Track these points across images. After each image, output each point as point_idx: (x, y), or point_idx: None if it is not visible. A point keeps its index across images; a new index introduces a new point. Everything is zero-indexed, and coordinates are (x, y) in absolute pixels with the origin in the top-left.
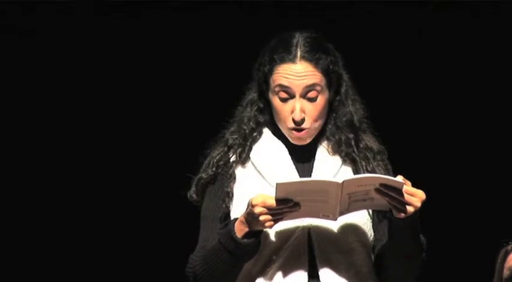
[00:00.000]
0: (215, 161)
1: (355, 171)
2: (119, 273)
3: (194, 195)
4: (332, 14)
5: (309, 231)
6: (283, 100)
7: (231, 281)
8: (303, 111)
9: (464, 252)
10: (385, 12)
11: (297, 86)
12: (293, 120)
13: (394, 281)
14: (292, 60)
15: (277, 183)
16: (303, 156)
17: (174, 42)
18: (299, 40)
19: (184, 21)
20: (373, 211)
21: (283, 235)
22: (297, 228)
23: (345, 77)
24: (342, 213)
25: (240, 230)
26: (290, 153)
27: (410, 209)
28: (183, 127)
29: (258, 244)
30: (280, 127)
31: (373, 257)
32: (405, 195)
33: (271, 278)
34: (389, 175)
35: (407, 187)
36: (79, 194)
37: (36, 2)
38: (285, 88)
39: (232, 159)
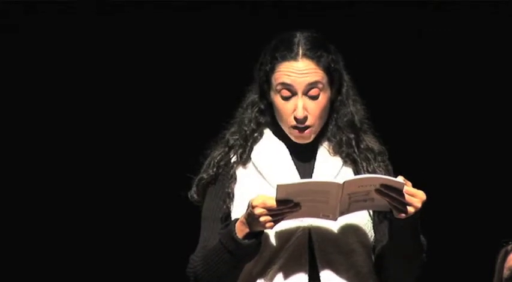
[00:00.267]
0: (216, 161)
1: (356, 172)
2: (119, 274)
3: (195, 196)
4: (332, 14)
5: (309, 232)
6: (285, 98)
7: (231, 281)
8: (305, 109)
9: (464, 252)
10: (385, 12)
11: (299, 84)
12: (295, 118)
13: (394, 281)
14: (294, 57)
15: (278, 185)
16: (303, 157)
17: (175, 42)
18: (300, 39)
19: (186, 22)
20: (373, 212)
21: (283, 236)
22: (297, 229)
23: (346, 77)
24: (342, 214)
25: (240, 230)
26: (291, 154)
27: (410, 209)
28: (184, 127)
29: (259, 245)
30: (282, 126)
31: (373, 257)
32: (406, 196)
33: (271, 279)
34: (390, 176)
35: (408, 187)
36: (80, 194)
37: (37, 2)
38: (287, 86)
39: (233, 159)
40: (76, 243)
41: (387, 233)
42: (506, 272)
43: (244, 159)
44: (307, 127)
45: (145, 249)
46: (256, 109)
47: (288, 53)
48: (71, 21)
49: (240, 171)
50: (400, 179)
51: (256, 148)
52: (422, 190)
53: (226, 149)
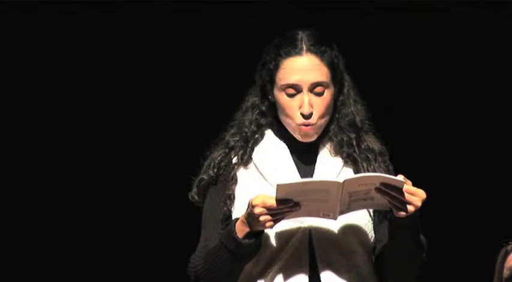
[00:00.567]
0: (216, 162)
1: (356, 173)
2: (120, 273)
3: (195, 197)
4: (332, 14)
5: (309, 232)
6: (291, 96)
7: (232, 281)
8: (311, 105)
9: (464, 252)
10: (385, 12)
11: (305, 83)
12: (301, 114)
13: (394, 281)
14: (299, 53)
15: (277, 185)
16: (305, 157)
17: (176, 44)
18: (303, 35)
19: (186, 22)
20: (373, 212)
21: (284, 237)
22: (297, 229)
23: (347, 77)
24: (342, 213)
25: (241, 230)
26: (292, 154)
27: (410, 208)
28: (185, 128)
29: (259, 244)
30: (286, 125)
31: (373, 257)
32: (406, 195)
33: (271, 280)
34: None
35: (408, 186)
36: (81, 195)
37: (37, 2)
38: (292, 85)
39: (234, 160)
40: (77, 244)
41: (387, 232)
42: (506, 272)
43: (246, 160)
44: (312, 124)
45: (146, 249)
46: (256, 111)
47: (292, 48)
48: (71, 21)
49: (240, 172)
50: (400, 177)
51: (257, 149)
52: (422, 189)
53: (227, 150)
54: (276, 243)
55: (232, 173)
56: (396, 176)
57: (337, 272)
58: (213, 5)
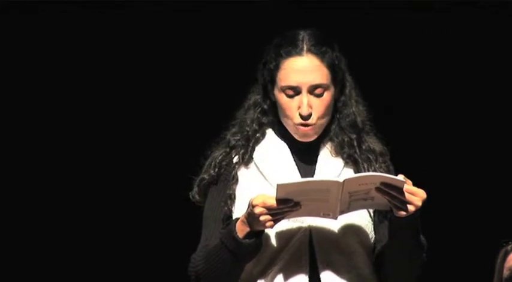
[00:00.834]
0: (217, 161)
1: (357, 173)
2: (121, 273)
3: (196, 196)
4: (333, 13)
5: (310, 233)
6: (290, 96)
7: (233, 281)
8: (310, 106)
9: (464, 252)
10: (385, 12)
11: (304, 85)
12: (300, 115)
13: (394, 281)
14: (299, 53)
15: (277, 185)
16: (305, 158)
17: (175, 43)
18: (304, 35)
19: (187, 22)
20: (373, 212)
21: (284, 237)
22: (298, 230)
23: (349, 77)
24: (342, 212)
25: (241, 230)
26: (293, 154)
27: (411, 208)
28: (185, 128)
29: (259, 244)
30: (286, 124)
31: (373, 257)
32: (406, 194)
33: (271, 280)
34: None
35: (408, 186)
36: (81, 194)
37: (38, 2)
38: (292, 87)
39: (235, 160)
40: (77, 243)
41: (387, 232)
42: (506, 272)
43: (246, 160)
44: (311, 124)
45: (147, 249)
46: (258, 109)
47: (292, 48)
48: (71, 21)
49: (241, 172)
50: (401, 177)
51: (258, 149)
52: (423, 189)
53: (228, 149)
54: (277, 243)
55: (233, 173)
56: (397, 175)
57: (338, 272)
58: (213, 5)
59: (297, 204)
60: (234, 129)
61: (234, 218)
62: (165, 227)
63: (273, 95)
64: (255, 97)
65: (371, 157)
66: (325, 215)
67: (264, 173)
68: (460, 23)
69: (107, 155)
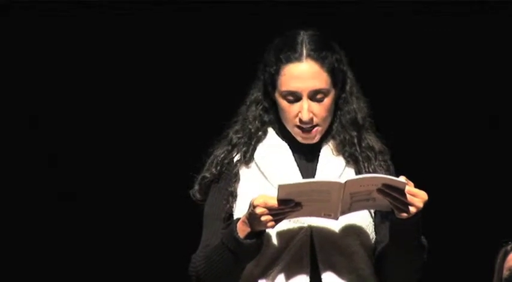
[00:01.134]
0: (219, 159)
1: (358, 172)
2: (121, 273)
3: (197, 194)
4: (333, 13)
5: (311, 233)
6: (291, 101)
7: (233, 281)
8: (310, 111)
9: (464, 252)
10: (386, 12)
11: (304, 90)
12: (300, 120)
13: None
14: (298, 58)
15: (279, 185)
16: (306, 157)
17: (177, 42)
18: (304, 38)
19: (188, 21)
20: (375, 213)
21: (285, 237)
22: (299, 230)
23: (350, 74)
24: (343, 213)
25: (242, 230)
26: (294, 154)
27: (412, 209)
28: (185, 127)
29: (260, 244)
30: (287, 126)
31: (373, 258)
32: (407, 196)
33: (273, 280)
34: (392, 175)
35: (410, 187)
36: (81, 194)
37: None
38: (292, 93)
39: (237, 158)
40: (77, 243)
41: (388, 233)
42: (506, 272)
43: (248, 159)
44: (314, 126)
45: (147, 248)
46: (260, 107)
47: (292, 53)
48: (71, 21)
49: (243, 171)
50: (402, 178)
51: (260, 148)
52: (424, 191)
53: (230, 147)
54: (278, 243)
55: (234, 171)
56: (398, 176)
57: (339, 273)
58: (213, 5)
59: (298, 205)
60: (236, 127)
61: (235, 217)
62: (165, 226)
63: (274, 96)
64: (256, 93)
65: (370, 155)
66: (326, 216)
67: (265, 172)
68: (460, 23)
69: (107, 154)
